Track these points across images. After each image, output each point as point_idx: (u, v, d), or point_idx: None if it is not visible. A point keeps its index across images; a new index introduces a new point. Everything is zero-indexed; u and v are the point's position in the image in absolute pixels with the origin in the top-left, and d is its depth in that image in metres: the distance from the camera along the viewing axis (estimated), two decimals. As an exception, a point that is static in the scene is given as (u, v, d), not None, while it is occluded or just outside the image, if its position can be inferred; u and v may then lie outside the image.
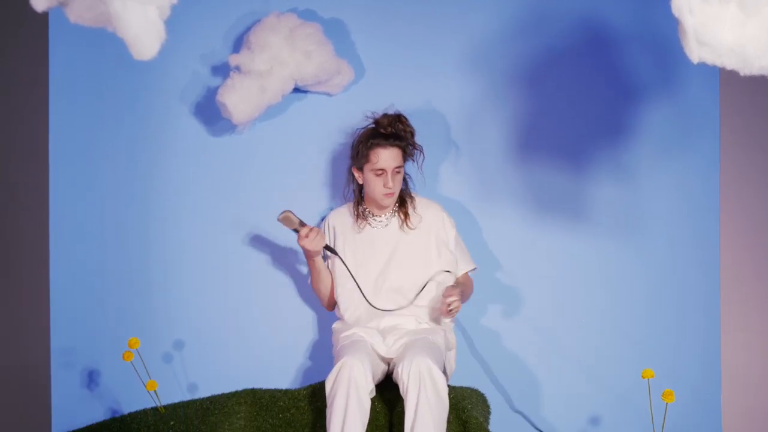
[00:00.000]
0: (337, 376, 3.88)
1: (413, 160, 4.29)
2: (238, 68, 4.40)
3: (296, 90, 4.54)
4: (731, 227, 4.61)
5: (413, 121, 4.28)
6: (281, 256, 4.61)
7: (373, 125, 4.23)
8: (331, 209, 4.45)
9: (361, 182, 4.25)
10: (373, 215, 4.29)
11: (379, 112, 4.26)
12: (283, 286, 4.59)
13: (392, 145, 4.18)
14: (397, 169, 4.19)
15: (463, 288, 4.25)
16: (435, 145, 4.50)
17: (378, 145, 4.17)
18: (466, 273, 4.36)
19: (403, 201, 4.30)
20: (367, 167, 4.19)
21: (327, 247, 4.25)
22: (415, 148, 4.26)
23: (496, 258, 4.58)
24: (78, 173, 4.58)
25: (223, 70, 4.56)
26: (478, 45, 4.61)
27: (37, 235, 4.65)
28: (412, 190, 4.35)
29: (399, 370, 3.87)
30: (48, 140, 4.57)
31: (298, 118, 4.61)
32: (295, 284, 4.59)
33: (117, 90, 4.59)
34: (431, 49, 4.63)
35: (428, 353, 3.87)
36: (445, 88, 4.62)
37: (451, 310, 4.06)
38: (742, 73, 3.12)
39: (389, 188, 4.17)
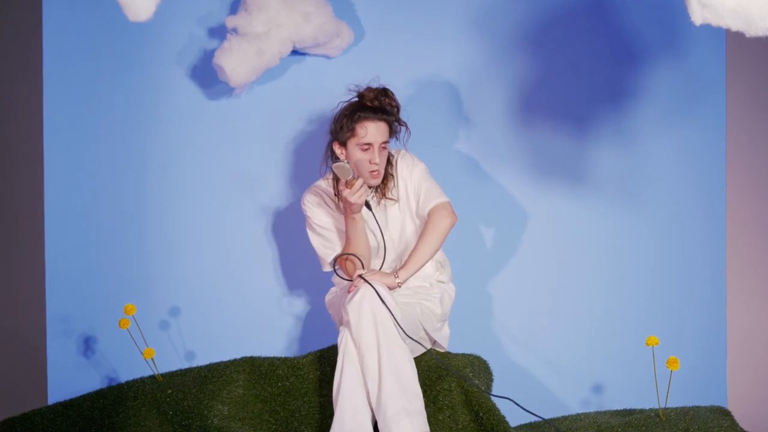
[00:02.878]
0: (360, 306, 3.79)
1: (397, 138, 4.10)
2: (235, 30, 4.36)
3: (295, 52, 4.50)
4: (737, 192, 4.60)
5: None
6: (280, 222, 4.57)
7: (357, 98, 4.03)
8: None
9: (343, 158, 4.01)
10: None
11: (363, 84, 4.07)
12: (282, 252, 4.57)
13: (380, 119, 3.97)
14: (383, 145, 4.01)
15: (411, 256, 4.03)
16: (435, 109, 4.47)
17: (366, 118, 3.97)
18: (436, 207, 4.06)
19: (384, 176, 4.07)
20: (352, 142, 3.98)
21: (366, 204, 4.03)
22: (400, 124, 4.07)
23: (497, 223, 4.54)
24: (73, 139, 4.54)
25: (220, 33, 4.52)
26: (479, 6, 4.56)
27: (31, 201, 4.63)
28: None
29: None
30: (42, 106, 4.53)
31: (296, 81, 4.57)
32: (295, 251, 4.56)
33: (112, 53, 4.55)
34: (432, 11, 4.58)
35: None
36: (445, 51, 4.57)
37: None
38: (747, 35, 3.12)
39: (375, 164, 3.98)
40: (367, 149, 3.98)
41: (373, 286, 3.83)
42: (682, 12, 3.26)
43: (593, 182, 4.54)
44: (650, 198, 4.54)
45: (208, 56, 4.52)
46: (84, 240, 4.53)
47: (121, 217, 4.54)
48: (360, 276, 3.89)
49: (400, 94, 4.46)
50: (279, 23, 4.33)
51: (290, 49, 4.43)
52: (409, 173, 4.10)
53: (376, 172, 4.00)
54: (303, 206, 4.14)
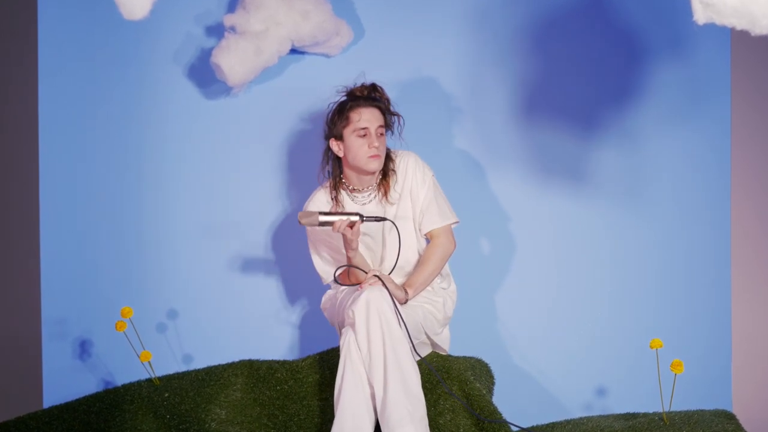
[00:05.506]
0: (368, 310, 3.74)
1: (392, 131, 4.07)
2: (233, 29, 4.33)
3: (293, 51, 4.47)
4: (742, 193, 4.57)
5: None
6: (279, 223, 4.54)
7: (346, 96, 4.04)
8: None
9: (341, 154, 4.00)
10: (354, 192, 4.07)
11: (350, 84, 4.06)
12: (280, 254, 4.54)
13: (372, 105, 3.97)
14: (380, 130, 3.98)
15: (414, 276, 4.01)
16: (436, 108, 4.44)
17: (358, 105, 3.96)
18: (439, 230, 4.07)
19: (385, 174, 4.06)
20: (348, 130, 3.96)
21: (365, 218, 3.91)
22: (392, 114, 4.05)
23: (499, 223, 4.52)
24: (69, 139, 4.52)
25: (217, 31, 4.49)
26: (480, 5, 4.54)
27: (27, 203, 4.61)
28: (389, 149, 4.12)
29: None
30: (37, 106, 4.50)
31: (295, 80, 4.54)
32: (294, 253, 4.52)
33: (108, 52, 4.53)
34: (432, 9, 4.55)
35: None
36: (446, 50, 4.54)
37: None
38: (752, 33, 3.10)
39: (375, 148, 3.94)
40: (364, 134, 3.94)
41: (387, 288, 3.81)
42: (687, 11, 3.25)
43: (596, 183, 4.51)
44: (654, 199, 4.51)
45: (205, 55, 4.48)
46: (80, 241, 4.51)
47: (117, 218, 4.52)
48: (376, 276, 3.86)
49: (401, 94, 4.43)
50: (277, 21, 4.31)
51: (289, 48, 4.40)
52: (421, 179, 4.06)
53: (375, 156, 3.95)
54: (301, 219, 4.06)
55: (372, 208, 4.05)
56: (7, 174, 4.71)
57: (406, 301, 3.93)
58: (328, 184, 4.10)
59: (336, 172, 4.06)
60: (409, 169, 4.06)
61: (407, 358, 3.75)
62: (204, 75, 4.51)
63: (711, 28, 3.26)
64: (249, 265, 4.54)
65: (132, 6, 3.21)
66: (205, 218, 4.53)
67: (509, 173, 4.52)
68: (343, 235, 3.89)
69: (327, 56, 4.53)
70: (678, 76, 4.50)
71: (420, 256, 4.08)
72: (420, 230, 4.09)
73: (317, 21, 4.33)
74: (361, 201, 4.06)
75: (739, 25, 3.10)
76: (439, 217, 4.06)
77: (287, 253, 4.55)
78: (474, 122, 4.53)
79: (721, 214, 4.51)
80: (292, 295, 4.55)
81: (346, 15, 4.49)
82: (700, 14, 3.14)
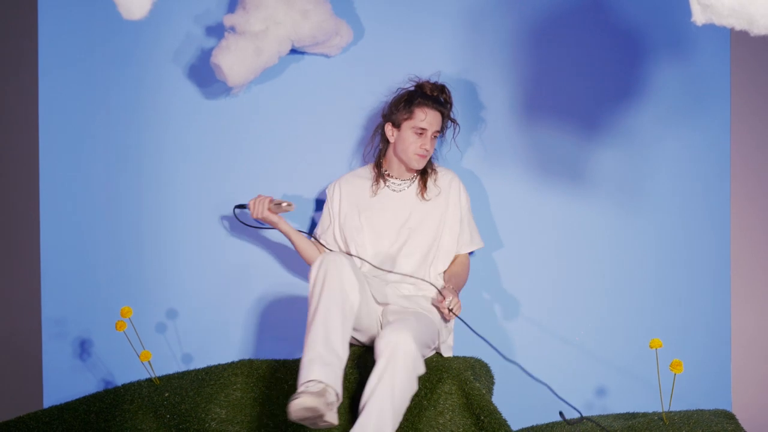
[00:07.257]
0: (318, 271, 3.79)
1: (443, 135, 4.30)
2: (232, 29, 4.32)
3: (293, 51, 4.47)
4: (741, 193, 4.55)
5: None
6: (278, 223, 4.53)
7: (416, 88, 4.23)
8: (335, 178, 4.39)
9: (392, 140, 4.21)
10: (389, 177, 4.26)
11: (423, 77, 4.28)
12: (279, 254, 4.53)
13: (438, 110, 4.17)
14: (435, 134, 4.18)
15: (456, 280, 4.20)
16: (436, 109, 4.41)
17: (426, 104, 4.15)
18: (465, 254, 4.31)
19: (424, 170, 4.26)
20: (407, 123, 4.16)
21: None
22: (452, 121, 4.28)
23: (500, 224, 4.51)
24: (68, 139, 4.51)
25: (217, 31, 4.49)
26: (480, 4, 4.53)
27: (26, 203, 4.60)
28: (433, 160, 4.36)
29: (378, 339, 3.73)
30: (37, 106, 4.50)
31: (295, 80, 4.53)
32: (291, 253, 4.51)
33: (108, 52, 4.52)
34: (432, 9, 4.55)
35: (412, 330, 3.72)
36: (446, 50, 4.54)
37: (451, 310, 4.01)
38: (751, 34, 3.11)
39: (426, 150, 4.15)
40: (421, 134, 4.16)
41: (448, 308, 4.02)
42: (686, 11, 3.25)
43: (596, 183, 4.50)
44: (654, 198, 4.50)
45: (205, 55, 4.48)
46: (80, 241, 4.50)
47: (117, 218, 4.51)
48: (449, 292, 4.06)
49: (400, 93, 4.43)
50: (277, 21, 4.30)
51: (289, 48, 4.39)
52: (460, 201, 4.28)
53: (423, 156, 4.17)
54: (333, 183, 4.32)
55: (407, 196, 4.24)
56: (7, 174, 4.70)
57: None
58: (364, 169, 4.33)
59: (382, 152, 4.29)
60: (453, 187, 4.27)
61: (336, 310, 3.74)
62: (204, 75, 4.51)
63: (711, 28, 3.26)
64: (248, 265, 4.53)
65: (131, 6, 3.21)
66: (205, 218, 4.52)
67: (509, 173, 4.51)
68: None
69: (327, 56, 4.52)
70: (678, 76, 4.50)
71: (425, 268, 4.22)
72: (459, 250, 4.29)
73: (317, 20, 4.32)
74: (396, 188, 4.26)
75: (738, 25, 3.10)
76: (470, 243, 4.29)
77: (287, 253, 4.54)
78: (474, 122, 4.52)
79: (721, 213, 4.50)
80: (292, 295, 4.54)
81: (345, 15, 4.49)
82: (699, 15, 3.15)
